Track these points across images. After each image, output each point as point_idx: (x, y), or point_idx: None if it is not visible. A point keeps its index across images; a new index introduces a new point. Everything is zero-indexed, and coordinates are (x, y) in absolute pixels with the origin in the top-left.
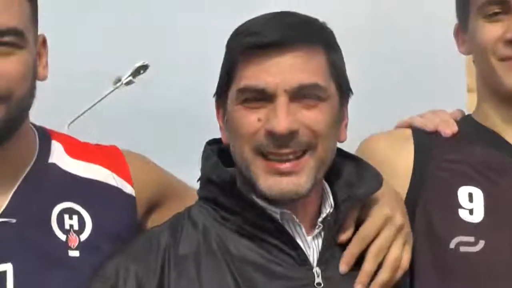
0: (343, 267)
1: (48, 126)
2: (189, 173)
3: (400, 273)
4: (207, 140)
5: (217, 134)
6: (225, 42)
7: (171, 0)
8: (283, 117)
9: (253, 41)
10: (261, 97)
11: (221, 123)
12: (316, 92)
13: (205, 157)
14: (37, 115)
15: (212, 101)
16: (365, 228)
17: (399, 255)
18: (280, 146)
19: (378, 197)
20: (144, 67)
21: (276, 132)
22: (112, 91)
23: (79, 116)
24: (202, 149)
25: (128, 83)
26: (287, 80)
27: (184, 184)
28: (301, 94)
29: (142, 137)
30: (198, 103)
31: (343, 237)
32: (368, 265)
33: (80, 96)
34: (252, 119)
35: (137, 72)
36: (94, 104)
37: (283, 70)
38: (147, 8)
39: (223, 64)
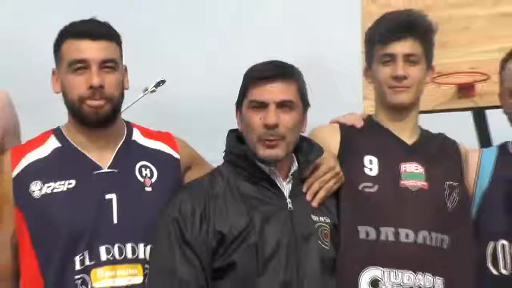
0: (305, 188)
1: None
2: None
3: (329, 193)
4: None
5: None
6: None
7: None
8: (272, 116)
9: (258, 75)
10: (261, 105)
11: (238, 120)
12: (290, 104)
13: (229, 139)
14: None
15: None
16: (319, 171)
17: (332, 186)
18: (270, 134)
19: (327, 157)
20: (162, 81)
21: (268, 124)
22: (142, 96)
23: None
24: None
25: (152, 91)
26: (276, 97)
27: (203, 158)
28: (282, 105)
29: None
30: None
31: (306, 175)
32: (314, 186)
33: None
34: (256, 119)
35: (158, 84)
36: (131, 105)
37: (274, 91)
38: (167, 44)
39: (241, 86)
